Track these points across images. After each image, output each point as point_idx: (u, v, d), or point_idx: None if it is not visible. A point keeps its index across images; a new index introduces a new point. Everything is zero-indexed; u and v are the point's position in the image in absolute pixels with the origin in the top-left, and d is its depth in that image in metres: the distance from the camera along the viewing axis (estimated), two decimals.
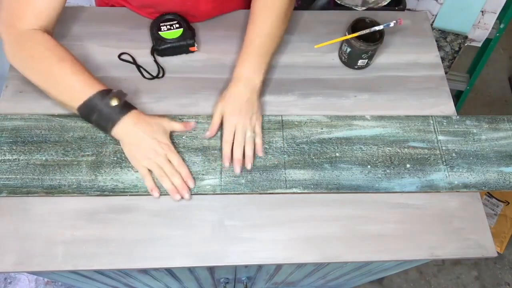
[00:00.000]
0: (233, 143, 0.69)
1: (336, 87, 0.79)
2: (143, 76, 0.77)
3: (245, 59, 0.71)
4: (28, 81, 0.75)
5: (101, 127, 0.66)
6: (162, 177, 0.65)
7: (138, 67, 0.77)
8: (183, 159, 0.67)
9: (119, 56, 0.78)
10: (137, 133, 0.65)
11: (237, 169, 0.67)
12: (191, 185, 0.66)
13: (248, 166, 0.68)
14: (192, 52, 0.80)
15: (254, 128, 0.70)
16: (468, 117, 0.76)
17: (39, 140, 0.68)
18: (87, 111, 0.64)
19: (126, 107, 0.66)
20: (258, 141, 0.70)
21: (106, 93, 0.64)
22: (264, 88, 0.76)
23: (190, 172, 0.67)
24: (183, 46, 0.78)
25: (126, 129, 0.65)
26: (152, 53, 0.78)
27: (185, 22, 0.79)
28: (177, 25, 0.78)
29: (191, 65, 0.79)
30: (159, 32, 0.77)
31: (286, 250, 0.63)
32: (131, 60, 0.78)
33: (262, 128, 0.71)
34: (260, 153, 0.69)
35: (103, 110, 0.64)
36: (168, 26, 0.78)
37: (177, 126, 0.69)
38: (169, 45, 0.77)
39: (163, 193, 0.65)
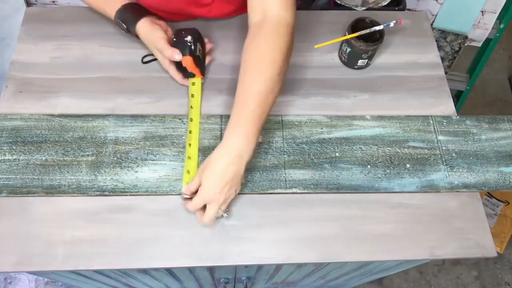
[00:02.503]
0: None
1: (336, 87, 0.79)
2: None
3: (237, 126, 0.60)
4: (28, 81, 0.75)
5: (125, 27, 0.74)
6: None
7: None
8: (183, 160, 0.68)
9: (142, 59, 0.79)
10: (148, 37, 0.74)
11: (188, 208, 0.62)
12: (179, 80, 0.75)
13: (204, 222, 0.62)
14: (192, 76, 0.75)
15: (226, 200, 0.62)
16: (468, 117, 0.76)
17: (39, 140, 0.68)
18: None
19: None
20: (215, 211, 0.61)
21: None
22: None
23: (199, 63, 0.73)
24: (189, 73, 0.74)
25: (144, 30, 0.73)
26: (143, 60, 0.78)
27: (201, 43, 0.75)
28: (193, 47, 0.72)
29: None
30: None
31: (286, 250, 0.63)
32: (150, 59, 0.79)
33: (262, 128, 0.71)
34: (202, 220, 0.62)
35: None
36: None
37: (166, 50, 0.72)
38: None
39: (162, 193, 0.65)
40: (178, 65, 0.73)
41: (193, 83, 0.74)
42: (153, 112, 0.73)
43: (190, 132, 0.69)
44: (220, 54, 0.81)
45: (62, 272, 0.76)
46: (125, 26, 0.74)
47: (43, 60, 0.78)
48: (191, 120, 0.71)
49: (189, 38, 0.71)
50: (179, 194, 0.66)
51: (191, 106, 0.72)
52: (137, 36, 0.75)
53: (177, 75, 0.75)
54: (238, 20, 0.84)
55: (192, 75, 0.74)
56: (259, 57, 0.63)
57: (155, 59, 0.77)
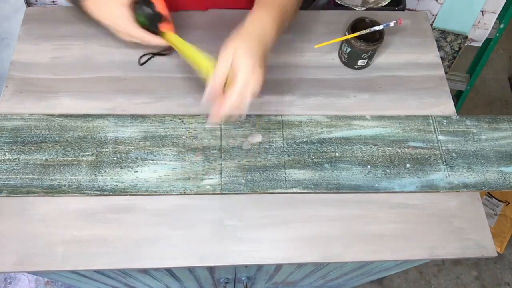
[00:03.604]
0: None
1: (336, 87, 0.79)
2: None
3: (265, 9, 0.64)
4: (28, 81, 0.75)
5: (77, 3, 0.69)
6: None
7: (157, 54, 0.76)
8: (183, 160, 0.68)
9: (139, 60, 0.79)
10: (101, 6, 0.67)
11: (213, 119, 0.59)
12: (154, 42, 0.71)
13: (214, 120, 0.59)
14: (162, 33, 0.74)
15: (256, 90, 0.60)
16: (468, 117, 0.76)
17: (39, 140, 0.68)
18: None
19: None
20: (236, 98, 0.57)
21: None
22: (264, 88, 0.76)
23: (154, 22, 0.70)
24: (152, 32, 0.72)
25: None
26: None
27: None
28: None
29: (190, 65, 0.79)
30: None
31: (286, 250, 0.63)
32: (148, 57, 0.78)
33: (261, 128, 0.71)
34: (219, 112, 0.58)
35: None
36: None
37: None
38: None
39: (162, 193, 0.65)
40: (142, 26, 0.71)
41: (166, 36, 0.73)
42: (153, 112, 0.73)
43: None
44: None
45: (62, 272, 0.76)
46: None
47: (43, 60, 0.78)
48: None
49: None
50: (179, 194, 0.66)
51: (185, 55, 0.70)
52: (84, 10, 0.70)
53: (149, 36, 0.71)
54: (239, 20, 0.84)
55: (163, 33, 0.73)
56: None
57: (152, 57, 0.77)
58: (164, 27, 0.72)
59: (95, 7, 0.69)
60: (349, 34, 0.76)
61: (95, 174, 0.66)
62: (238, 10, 0.86)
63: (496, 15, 1.22)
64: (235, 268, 0.84)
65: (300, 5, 0.72)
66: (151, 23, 0.71)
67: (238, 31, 0.62)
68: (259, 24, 0.63)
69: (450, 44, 1.29)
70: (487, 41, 1.32)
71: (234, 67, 0.58)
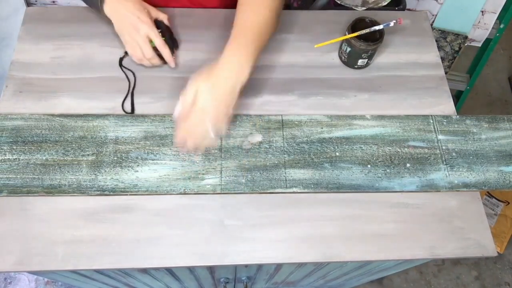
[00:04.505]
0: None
1: (336, 86, 0.79)
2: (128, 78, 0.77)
3: (239, 45, 0.63)
4: (28, 81, 0.75)
5: (93, 4, 0.72)
6: (142, 59, 0.72)
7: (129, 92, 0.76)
8: (183, 160, 0.68)
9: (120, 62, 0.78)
10: (121, 10, 0.70)
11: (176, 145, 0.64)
12: (172, 65, 0.75)
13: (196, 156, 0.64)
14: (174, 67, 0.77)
15: (219, 128, 0.63)
16: (468, 117, 0.76)
17: (39, 140, 0.68)
18: None
19: None
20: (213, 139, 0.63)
21: None
22: (264, 88, 0.76)
23: (172, 53, 0.74)
24: (161, 56, 0.75)
25: (114, 5, 0.70)
26: (120, 62, 0.78)
27: (169, 32, 0.77)
28: (160, 34, 0.74)
29: (191, 65, 0.79)
30: None
31: (286, 250, 0.63)
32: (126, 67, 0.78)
33: (262, 128, 0.71)
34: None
35: None
36: None
37: (161, 15, 0.75)
38: None
39: (162, 193, 0.65)
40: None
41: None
42: (153, 112, 0.73)
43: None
44: (221, 54, 0.80)
45: (62, 272, 0.76)
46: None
47: (43, 60, 0.78)
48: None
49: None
50: (180, 194, 0.66)
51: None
52: (103, 12, 0.72)
53: (159, 61, 0.75)
54: None
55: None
56: None
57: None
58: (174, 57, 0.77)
59: (116, 18, 0.72)
60: (349, 34, 0.76)
61: (95, 174, 0.66)
62: None
63: (496, 15, 1.22)
64: (235, 268, 0.84)
65: (279, 19, 0.71)
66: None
67: (209, 68, 0.63)
68: (233, 62, 0.63)
69: (450, 44, 1.29)
70: (487, 41, 1.32)
71: (195, 104, 0.61)
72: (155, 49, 0.73)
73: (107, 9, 0.71)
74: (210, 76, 0.62)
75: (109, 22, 0.73)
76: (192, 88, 0.61)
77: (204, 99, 0.61)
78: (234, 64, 0.62)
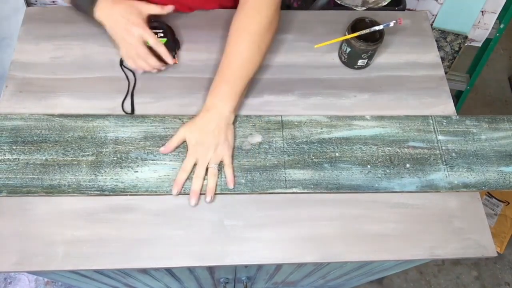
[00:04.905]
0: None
1: (336, 87, 0.79)
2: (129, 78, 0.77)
3: (216, 87, 0.69)
4: (28, 81, 0.75)
5: (84, 9, 0.72)
6: (137, 60, 0.71)
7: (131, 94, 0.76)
8: (183, 160, 0.68)
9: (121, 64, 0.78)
10: (113, 15, 0.69)
11: (192, 201, 0.64)
12: (170, 61, 0.73)
13: (208, 198, 0.64)
14: (172, 64, 0.77)
15: (223, 159, 0.67)
16: (468, 117, 0.76)
17: (39, 140, 0.68)
18: None
19: None
20: (228, 171, 0.66)
21: None
22: (264, 88, 0.76)
23: (168, 50, 0.72)
24: (159, 57, 0.75)
25: (105, 10, 0.70)
26: (121, 62, 0.78)
27: (171, 33, 0.77)
28: (162, 35, 0.76)
29: (190, 65, 0.79)
30: None
31: (286, 250, 0.63)
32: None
33: (261, 129, 0.71)
34: (230, 184, 0.65)
35: None
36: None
37: (153, 9, 0.73)
38: None
39: (162, 193, 0.65)
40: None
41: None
42: (153, 112, 0.73)
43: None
44: (220, 53, 0.80)
45: (62, 272, 0.76)
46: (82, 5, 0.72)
47: (43, 60, 0.78)
48: None
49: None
50: (179, 194, 0.66)
51: None
52: (92, 17, 0.72)
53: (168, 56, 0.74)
54: None
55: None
56: (238, 29, 0.70)
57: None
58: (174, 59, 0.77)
59: (109, 24, 0.72)
60: (349, 34, 0.76)
61: (95, 174, 0.66)
62: None
63: (496, 15, 1.22)
64: (235, 268, 0.84)
65: (277, 23, 0.72)
66: (167, 48, 0.74)
67: (191, 120, 0.69)
68: (216, 96, 0.68)
69: (450, 44, 1.29)
70: (487, 41, 1.32)
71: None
72: (151, 49, 0.73)
73: (98, 14, 0.71)
74: (193, 125, 0.68)
75: (100, 24, 0.73)
76: (179, 135, 0.68)
77: (192, 151, 0.67)
78: (214, 105, 0.68)
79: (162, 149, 0.68)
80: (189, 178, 0.66)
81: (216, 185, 0.66)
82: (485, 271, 1.61)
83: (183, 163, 0.66)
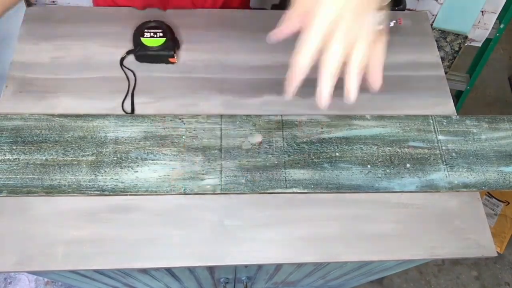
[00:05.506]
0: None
1: (336, 87, 0.79)
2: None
3: None
4: (28, 81, 0.75)
5: None
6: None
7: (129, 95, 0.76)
8: (183, 160, 0.68)
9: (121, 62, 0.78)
10: None
11: (323, 103, 0.43)
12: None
13: (351, 98, 0.43)
14: (172, 63, 0.78)
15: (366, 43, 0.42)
16: (468, 117, 0.76)
17: (39, 140, 0.68)
18: None
19: None
20: (376, 63, 0.42)
21: None
22: (264, 88, 0.76)
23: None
24: (163, 56, 0.77)
25: None
26: (121, 62, 0.78)
27: (170, 32, 0.78)
28: (161, 34, 0.76)
29: (191, 65, 0.79)
30: (141, 38, 0.76)
31: (286, 250, 0.63)
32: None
33: (262, 128, 0.71)
34: (376, 83, 0.43)
35: None
36: (152, 33, 0.77)
37: None
38: (148, 52, 0.76)
39: (162, 193, 0.65)
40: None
41: None
42: (153, 112, 0.73)
43: None
44: (221, 54, 0.81)
45: (62, 272, 0.76)
46: None
47: (43, 60, 0.78)
48: None
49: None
50: (179, 194, 0.66)
51: None
52: None
53: None
54: (238, 20, 0.84)
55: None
56: None
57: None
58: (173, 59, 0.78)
59: None
60: None
61: (95, 174, 0.66)
62: (238, 10, 0.86)
63: (496, 15, 1.22)
64: (235, 268, 0.84)
65: None
66: (166, 47, 0.75)
67: None
68: None
69: (450, 44, 1.29)
70: (487, 41, 1.32)
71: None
72: (156, 48, 0.73)
73: None
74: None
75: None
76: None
77: (327, 13, 0.42)
78: None
79: (271, 35, 0.45)
80: (190, 178, 0.66)
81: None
82: (485, 271, 1.61)
83: (305, 35, 0.45)
